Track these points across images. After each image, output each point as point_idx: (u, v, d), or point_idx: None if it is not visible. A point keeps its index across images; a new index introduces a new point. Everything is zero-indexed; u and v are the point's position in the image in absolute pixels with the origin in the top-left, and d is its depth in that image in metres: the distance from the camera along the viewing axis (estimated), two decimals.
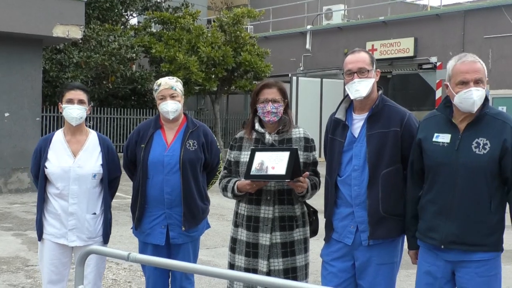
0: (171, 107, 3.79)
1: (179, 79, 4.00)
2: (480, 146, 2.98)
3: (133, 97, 18.19)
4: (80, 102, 3.75)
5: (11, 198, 11.00)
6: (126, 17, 18.48)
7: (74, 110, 3.74)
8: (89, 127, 4.10)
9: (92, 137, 3.94)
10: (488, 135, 2.96)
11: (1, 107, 11.18)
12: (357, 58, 3.27)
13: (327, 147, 3.47)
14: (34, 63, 11.63)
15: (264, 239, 3.35)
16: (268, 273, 3.30)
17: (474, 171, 2.96)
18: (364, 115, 3.30)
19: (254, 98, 3.50)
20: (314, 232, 3.59)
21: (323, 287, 2.87)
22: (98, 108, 16.47)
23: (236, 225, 3.50)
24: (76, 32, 11.27)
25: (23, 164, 11.16)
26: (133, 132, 4.03)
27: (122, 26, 17.50)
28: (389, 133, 3.22)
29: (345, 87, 3.29)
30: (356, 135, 3.31)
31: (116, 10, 17.17)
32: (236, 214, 3.52)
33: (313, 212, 3.58)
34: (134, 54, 16.15)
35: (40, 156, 3.85)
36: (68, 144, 3.85)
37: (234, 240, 3.48)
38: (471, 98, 2.90)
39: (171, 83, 3.90)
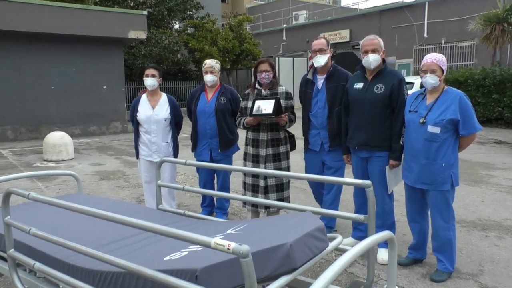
0: (209, 79, 4.36)
1: (218, 61, 4.49)
2: (379, 89, 3.51)
3: (179, 74, 21.95)
4: (153, 76, 4.34)
5: (111, 137, 13.19)
6: (172, 24, 22.38)
7: (148, 80, 4.35)
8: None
9: (164, 97, 4.50)
10: (384, 82, 3.50)
11: (101, 82, 13.60)
12: (319, 42, 3.87)
13: (302, 96, 4.08)
14: (119, 55, 13.94)
15: (262, 151, 3.91)
16: (265, 179, 3.82)
17: (374, 103, 3.51)
18: (324, 76, 3.92)
19: (255, 69, 3.98)
20: (293, 148, 4.13)
21: (306, 175, 3.21)
22: None
23: (246, 144, 4.08)
24: (142, 35, 13.52)
25: (116, 117, 13.93)
26: (190, 95, 4.60)
27: (170, 30, 21.12)
28: (339, 86, 3.84)
29: (312, 59, 3.92)
30: (320, 88, 3.93)
31: (165, 20, 21.42)
32: (246, 138, 4.08)
33: (291, 136, 4.12)
34: (178, 47, 19.54)
35: (134, 109, 4.46)
36: (149, 102, 4.42)
37: (245, 154, 4.07)
38: (368, 60, 3.49)
39: (211, 63, 4.38)
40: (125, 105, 14.27)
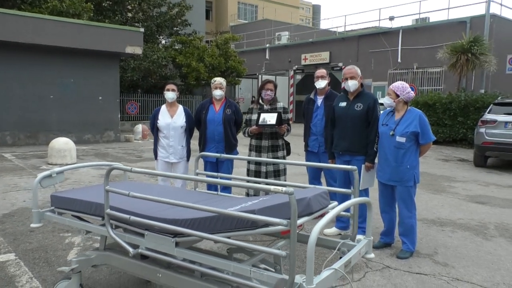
0: (218, 93, 4.89)
1: (224, 79, 5.07)
2: (358, 107, 4.40)
3: None
4: (173, 90, 4.90)
5: (105, 145, 13.80)
6: (160, 39, 23.15)
7: (169, 94, 4.90)
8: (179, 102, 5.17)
9: (180, 108, 5.06)
10: (362, 101, 4.40)
11: (98, 93, 14.16)
12: (321, 71, 4.97)
13: (305, 111, 5.00)
14: (115, 68, 14.59)
15: (264, 156, 4.64)
16: (266, 173, 4.57)
17: (355, 118, 4.40)
18: (322, 96, 4.93)
19: (261, 87, 4.74)
20: (288, 153, 4.91)
21: (307, 162, 4.28)
22: (145, 94, 20.46)
23: (249, 149, 4.81)
24: (138, 50, 14.23)
25: (110, 126, 14.53)
26: (198, 106, 5.07)
27: (158, 45, 21.87)
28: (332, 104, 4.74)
29: (315, 83, 4.89)
30: (319, 105, 4.91)
31: (154, 35, 21.92)
32: (250, 145, 4.79)
33: (287, 144, 4.88)
34: (166, 62, 20.35)
35: (154, 117, 4.98)
36: (168, 112, 4.98)
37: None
38: (348, 85, 4.44)
39: (220, 81, 4.92)
40: (119, 116, 14.95)
